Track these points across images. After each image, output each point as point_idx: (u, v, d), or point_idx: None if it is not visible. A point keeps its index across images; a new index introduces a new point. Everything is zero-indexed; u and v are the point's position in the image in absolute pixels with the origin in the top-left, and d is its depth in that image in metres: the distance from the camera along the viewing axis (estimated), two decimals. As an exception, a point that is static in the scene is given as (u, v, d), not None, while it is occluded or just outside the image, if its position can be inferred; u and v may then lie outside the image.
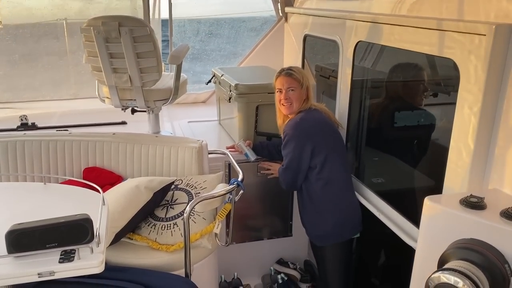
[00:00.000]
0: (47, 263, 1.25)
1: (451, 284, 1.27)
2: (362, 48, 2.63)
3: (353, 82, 2.67)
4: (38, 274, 1.24)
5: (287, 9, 3.79)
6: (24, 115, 3.62)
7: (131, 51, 2.82)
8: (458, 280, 1.26)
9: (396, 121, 2.59)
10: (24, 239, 1.26)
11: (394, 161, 2.67)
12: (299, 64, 3.53)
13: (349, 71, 2.66)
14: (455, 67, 1.75)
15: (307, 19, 3.40)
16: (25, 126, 3.55)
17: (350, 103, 2.70)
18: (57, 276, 1.25)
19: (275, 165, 2.78)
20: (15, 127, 3.53)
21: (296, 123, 2.45)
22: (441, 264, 1.40)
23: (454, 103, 1.76)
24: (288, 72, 2.51)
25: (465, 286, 1.24)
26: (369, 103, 2.79)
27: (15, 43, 4.38)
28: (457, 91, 1.75)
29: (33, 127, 3.56)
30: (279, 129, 2.66)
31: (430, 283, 1.32)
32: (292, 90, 2.48)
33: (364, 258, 3.05)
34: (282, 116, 2.62)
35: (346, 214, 2.49)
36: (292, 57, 3.85)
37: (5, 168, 2.71)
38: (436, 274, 1.31)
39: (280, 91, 2.51)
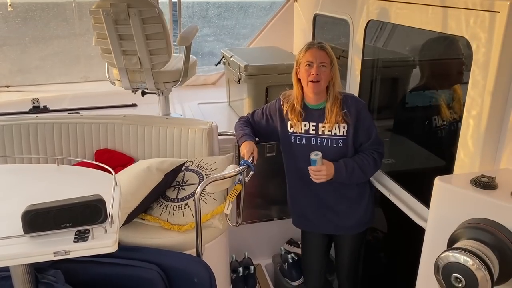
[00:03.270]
0: (62, 243, 1.28)
1: (461, 263, 1.27)
2: (373, 28, 2.60)
3: (364, 62, 2.64)
4: (54, 253, 1.26)
5: (296, -12, 3.74)
6: (36, 98, 3.65)
7: (140, 32, 2.81)
8: (468, 259, 1.26)
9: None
10: (39, 219, 1.28)
11: (407, 143, 2.66)
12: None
13: (360, 51, 2.63)
14: (468, 45, 1.72)
15: (317, -2, 3.35)
16: (37, 109, 3.59)
17: (360, 83, 2.67)
18: (72, 255, 1.28)
19: (325, 165, 2.19)
20: (27, 110, 3.57)
21: (356, 98, 2.33)
22: (451, 244, 1.40)
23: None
24: (321, 46, 2.22)
25: (475, 265, 1.25)
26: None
27: (25, 27, 4.39)
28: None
29: (45, 110, 3.60)
30: (291, 108, 2.32)
31: (440, 262, 1.33)
32: (324, 66, 2.18)
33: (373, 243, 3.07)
34: (297, 93, 2.29)
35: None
36: (302, 37, 3.81)
37: (19, 150, 2.75)
38: (446, 253, 1.31)
39: (310, 65, 2.18)
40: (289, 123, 2.33)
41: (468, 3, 1.70)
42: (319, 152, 2.17)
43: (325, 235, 2.59)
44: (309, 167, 2.21)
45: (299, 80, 2.28)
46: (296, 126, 2.31)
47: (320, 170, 2.17)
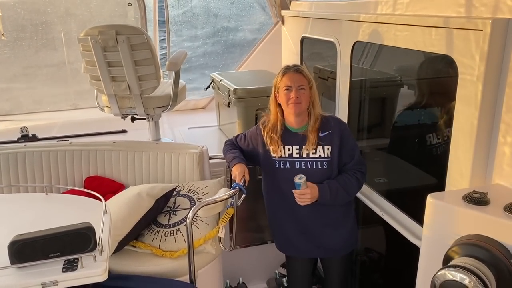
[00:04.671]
0: (50, 273, 1.25)
1: (457, 281, 1.26)
2: (359, 49, 2.64)
3: (352, 82, 2.67)
4: (42, 284, 1.23)
5: (283, 12, 3.80)
6: (24, 127, 3.62)
7: (129, 59, 2.82)
8: (464, 276, 1.25)
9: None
10: (27, 250, 1.25)
11: (396, 161, 2.67)
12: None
13: (348, 71, 2.66)
14: (453, 64, 1.75)
15: (303, 22, 3.40)
16: (25, 137, 3.56)
17: (349, 103, 2.69)
18: (60, 286, 1.25)
19: (310, 188, 2.18)
20: (15, 139, 3.54)
21: (339, 119, 2.36)
22: (447, 261, 1.39)
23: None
24: (297, 69, 2.22)
25: (471, 282, 1.23)
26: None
27: (14, 57, 4.40)
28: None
29: (34, 138, 3.57)
30: (269, 133, 2.30)
31: (436, 280, 1.31)
32: (302, 88, 2.18)
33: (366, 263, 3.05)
34: (277, 118, 2.28)
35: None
36: (290, 60, 3.85)
37: (7, 180, 2.71)
38: (442, 272, 1.30)
39: (288, 89, 2.18)
40: (272, 148, 2.32)
41: (451, 23, 1.73)
42: (303, 176, 2.17)
43: (311, 258, 2.57)
44: (293, 191, 2.20)
45: (278, 105, 2.27)
46: (279, 151, 2.29)
47: (304, 194, 2.17)
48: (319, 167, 2.26)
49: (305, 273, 2.59)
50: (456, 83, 1.74)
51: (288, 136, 2.29)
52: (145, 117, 3.30)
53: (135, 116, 3.31)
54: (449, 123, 2.25)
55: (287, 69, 2.24)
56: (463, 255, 1.34)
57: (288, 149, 2.29)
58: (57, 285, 1.24)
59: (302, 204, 2.21)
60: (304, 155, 2.27)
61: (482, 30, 1.57)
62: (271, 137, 2.29)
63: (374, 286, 3.08)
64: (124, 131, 3.81)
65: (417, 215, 2.01)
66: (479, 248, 1.32)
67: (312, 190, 2.17)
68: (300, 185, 2.15)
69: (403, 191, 2.60)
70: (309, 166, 2.26)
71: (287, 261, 2.65)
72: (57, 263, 1.28)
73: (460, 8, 1.75)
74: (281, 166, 2.30)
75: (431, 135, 2.47)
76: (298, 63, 3.50)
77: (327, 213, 2.33)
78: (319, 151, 2.26)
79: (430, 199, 1.53)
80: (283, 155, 2.29)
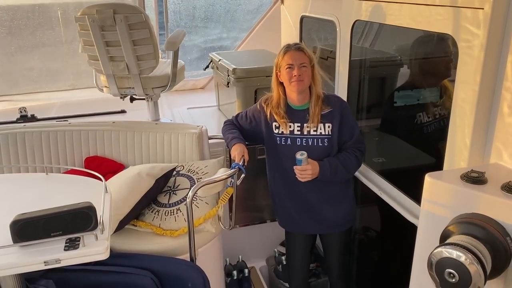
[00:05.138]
0: (52, 251, 1.27)
1: (454, 258, 1.27)
2: (359, 28, 2.61)
3: (351, 62, 2.65)
4: (44, 262, 1.25)
5: (283, -9, 3.75)
6: (23, 107, 3.62)
7: (127, 38, 2.80)
8: (460, 254, 1.26)
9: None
10: (29, 229, 1.27)
11: (395, 141, 2.68)
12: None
13: (347, 51, 2.64)
14: (453, 43, 1.74)
15: (303, 0, 3.36)
16: (24, 118, 3.56)
17: (348, 83, 2.69)
18: (63, 264, 1.26)
19: (311, 165, 2.21)
20: (14, 119, 3.53)
21: (339, 97, 2.39)
22: (443, 239, 1.41)
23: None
24: (298, 47, 2.24)
25: (468, 259, 1.25)
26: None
27: (10, 36, 4.35)
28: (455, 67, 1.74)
29: (33, 118, 3.56)
30: (275, 109, 2.32)
31: (433, 258, 1.33)
32: (304, 66, 2.20)
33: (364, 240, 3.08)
34: (279, 96, 2.30)
35: None
36: (289, 40, 3.81)
37: (7, 160, 2.72)
38: (439, 249, 1.32)
39: (290, 67, 2.20)
40: (274, 124, 2.34)
41: (453, 1, 1.72)
42: (304, 152, 2.20)
43: (310, 235, 2.61)
44: (294, 167, 2.23)
45: (280, 84, 2.30)
46: (281, 127, 2.32)
47: (305, 170, 2.21)
48: (320, 144, 2.28)
49: (304, 250, 2.63)
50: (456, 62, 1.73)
51: (290, 114, 2.32)
52: (144, 97, 3.29)
53: (134, 96, 3.30)
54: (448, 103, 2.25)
55: (288, 48, 2.25)
56: (460, 233, 1.36)
57: (290, 126, 2.32)
58: (60, 263, 1.26)
59: (302, 180, 2.24)
60: (305, 132, 2.29)
61: (483, 8, 1.56)
62: (277, 112, 2.32)
63: (372, 264, 3.13)
64: (123, 111, 3.80)
65: (415, 194, 2.03)
66: (476, 226, 1.34)
67: (313, 166, 2.21)
68: (302, 161, 2.19)
69: (402, 171, 2.62)
70: (310, 143, 2.29)
71: (286, 237, 2.69)
72: (59, 242, 1.29)
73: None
74: (283, 143, 2.33)
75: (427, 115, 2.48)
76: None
77: (326, 189, 2.37)
78: (320, 129, 2.28)
79: (428, 178, 1.54)
80: (285, 132, 2.32)
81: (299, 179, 2.25)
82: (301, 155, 2.19)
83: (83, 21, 2.80)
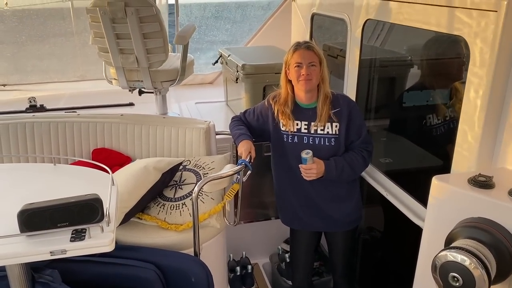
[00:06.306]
0: (58, 242, 1.27)
1: (458, 262, 1.27)
2: (370, 27, 2.60)
3: (361, 61, 2.64)
4: (50, 252, 1.26)
5: (294, -12, 3.74)
6: (32, 97, 3.64)
7: (138, 31, 2.80)
8: (465, 258, 1.26)
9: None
10: (36, 219, 1.27)
11: (404, 142, 2.66)
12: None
13: (357, 50, 2.63)
14: (465, 45, 1.72)
15: (314, -3, 3.35)
16: (33, 108, 3.58)
17: (358, 82, 2.67)
18: (68, 255, 1.27)
19: (316, 164, 2.22)
20: (24, 109, 3.56)
21: (348, 97, 2.38)
22: (448, 243, 1.40)
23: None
24: (308, 45, 2.22)
25: (472, 264, 1.25)
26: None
27: (21, 25, 4.37)
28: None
29: (42, 109, 3.59)
30: (281, 108, 2.31)
31: (437, 261, 1.33)
32: (313, 65, 2.19)
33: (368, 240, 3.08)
34: (288, 94, 2.29)
35: None
36: (299, 37, 3.80)
37: (15, 149, 2.74)
38: (443, 253, 1.32)
39: (299, 66, 2.19)
40: (281, 121, 2.34)
41: (466, 2, 1.70)
42: (310, 151, 2.20)
43: (315, 232, 2.61)
44: (300, 165, 2.24)
45: (289, 81, 2.29)
46: (288, 125, 2.32)
47: (310, 169, 2.21)
48: (327, 144, 2.28)
49: (309, 248, 2.63)
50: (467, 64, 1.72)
51: (297, 112, 2.32)
52: (152, 91, 3.30)
53: (142, 89, 3.31)
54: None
55: (298, 46, 2.24)
56: (465, 237, 1.35)
57: (297, 124, 2.32)
58: (65, 253, 1.26)
59: (307, 179, 2.25)
60: (313, 131, 2.29)
61: (496, 11, 1.55)
62: (283, 111, 2.31)
63: (376, 264, 3.12)
64: (131, 104, 3.81)
65: (421, 196, 2.02)
66: (481, 230, 1.33)
67: (318, 165, 2.21)
68: (307, 160, 2.19)
69: (408, 172, 2.61)
70: (317, 142, 2.29)
71: (291, 235, 2.69)
72: (65, 233, 1.30)
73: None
74: (289, 141, 2.33)
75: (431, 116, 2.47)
76: (307, 39, 3.46)
77: (332, 188, 2.37)
78: (327, 128, 2.28)
79: (436, 181, 1.54)
80: (292, 130, 2.32)
81: (304, 177, 2.25)
82: (306, 154, 2.19)
83: (94, 13, 2.81)
